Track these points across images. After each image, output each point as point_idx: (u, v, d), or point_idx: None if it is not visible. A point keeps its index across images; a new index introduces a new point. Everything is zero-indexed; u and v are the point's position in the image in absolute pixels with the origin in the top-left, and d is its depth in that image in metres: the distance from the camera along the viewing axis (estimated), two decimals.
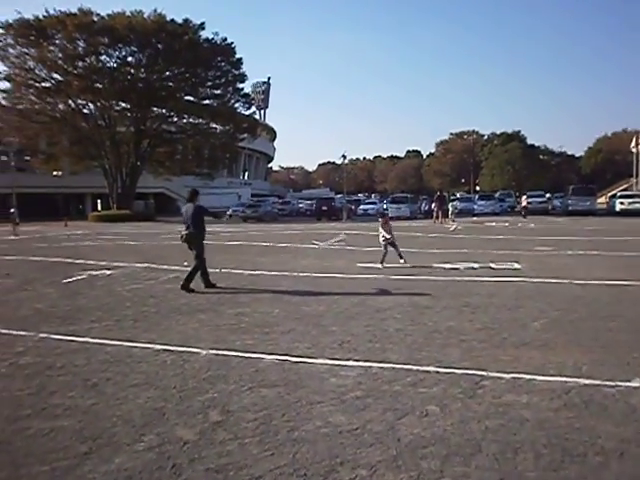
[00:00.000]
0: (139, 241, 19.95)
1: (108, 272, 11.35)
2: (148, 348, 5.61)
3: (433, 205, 31.59)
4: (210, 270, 11.33)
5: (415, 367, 4.81)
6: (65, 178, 49.82)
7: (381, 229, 12.28)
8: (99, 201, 50.72)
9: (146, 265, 12.30)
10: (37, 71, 40.17)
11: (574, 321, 6.40)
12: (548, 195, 42.36)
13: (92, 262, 12.97)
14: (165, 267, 11.99)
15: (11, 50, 39.61)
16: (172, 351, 5.49)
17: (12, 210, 26.35)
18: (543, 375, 4.50)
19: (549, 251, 14.10)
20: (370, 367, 4.85)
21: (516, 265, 11.42)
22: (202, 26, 40.86)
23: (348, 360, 5.06)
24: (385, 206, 43.49)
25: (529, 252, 13.87)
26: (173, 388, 4.41)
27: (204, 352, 5.42)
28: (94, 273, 11.14)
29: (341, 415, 3.78)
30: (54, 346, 5.77)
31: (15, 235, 24.39)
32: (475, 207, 38.86)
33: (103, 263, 12.70)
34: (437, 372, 4.67)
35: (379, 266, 11.68)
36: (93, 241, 20.35)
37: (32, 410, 3.99)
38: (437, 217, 29.41)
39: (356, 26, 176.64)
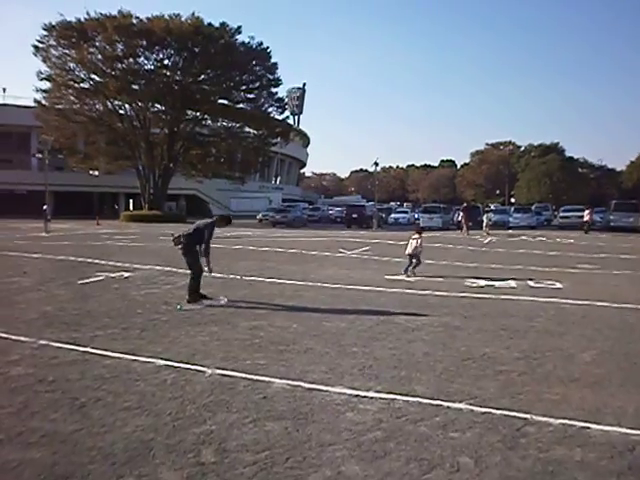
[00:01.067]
0: (165, 242, 19.69)
1: (126, 274, 11.00)
2: (150, 363, 5.13)
3: (460, 216, 30.97)
4: (231, 276, 11.01)
5: (445, 403, 4.17)
6: (100, 177, 50.60)
7: (412, 241, 12.02)
8: (131, 201, 51.33)
9: (166, 268, 11.93)
10: (76, 72, 40.90)
11: (630, 354, 5.63)
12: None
13: (113, 263, 12.69)
14: (185, 271, 11.53)
15: (53, 51, 40.49)
16: (175, 368, 4.98)
17: (45, 207, 26.60)
18: (599, 423, 3.80)
19: (593, 269, 13.16)
20: (394, 400, 4.23)
21: (557, 284, 10.58)
22: (238, 30, 40.95)
23: (369, 390, 4.45)
24: (417, 215, 42.61)
25: (571, 270, 12.96)
26: (168, 415, 3.89)
27: (209, 371, 4.90)
28: (112, 275, 10.81)
29: (355, 464, 3.19)
30: (51, 355, 5.34)
31: (46, 232, 24.57)
32: (510, 220, 37.52)
33: (123, 264, 12.39)
34: (471, 411, 4.02)
35: (407, 278, 11.04)
36: (120, 241, 20.22)
37: (5, 435, 3.52)
38: (466, 229, 28.60)
39: (392, 32, 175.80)
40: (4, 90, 57.72)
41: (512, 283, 10.72)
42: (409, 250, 11.98)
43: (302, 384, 4.57)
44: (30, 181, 46.90)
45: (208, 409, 4.01)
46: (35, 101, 42.44)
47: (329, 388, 4.49)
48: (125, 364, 5.10)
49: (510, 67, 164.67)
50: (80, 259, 13.58)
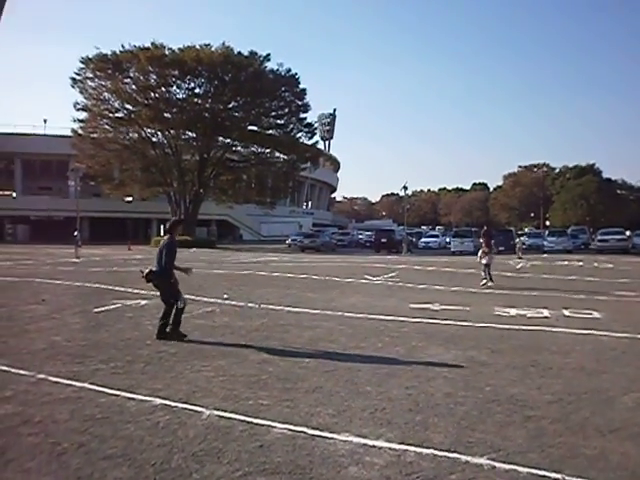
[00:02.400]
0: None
1: (143, 302, 10.81)
2: (146, 402, 4.78)
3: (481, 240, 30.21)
4: (249, 305, 10.68)
5: (464, 457, 3.67)
6: (134, 203, 51.73)
7: (480, 253, 15.41)
8: (162, 227, 52.07)
9: (186, 296, 11.66)
10: (111, 102, 42.22)
11: None
12: (628, 232, 39.04)
13: (132, 290, 12.54)
14: (204, 299, 11.33)
15: (89, 83, 41.98)
16: (172, 408, 4.62)
17: (76, 233, 27.08)
18: None
19: (633, 297, 12.31)
20: (405, 452, 3.76)
21: (595, 314, 9.86)
22: (267, 57, 41.64)
23: (378, 438, 3.99)
24: (448, 239, 41.77)
25: (609, 298, 12.16)
26: (151, 466, 3.52)
27: (207, 412, 4.52)
28: (128, 303, 10.63)
29: None
30: (46, 392, 5.06)
31: (77, 258, 24.92)
32: (545, 243, 36.32)
33: (142, 292, 12.22)
34: (493, 467, 3.52)
35: (433, 307, 10.52)
36: (146, 267, 20.20)
37: None
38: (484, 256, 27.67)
39: (424, 56, 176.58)
40: (45, 121, 60.08)
41: (545, 312, 10.05)
42: (484, 261, 15.07)
43: (305, 430, 4.14)
44: (67, 207, 48.14)
45: (197, 459, 3.62)
46: (72, 131, 43.86)
47: (334, 435, 4.04)
48: (120, 403, 4.77)
49: (543, 88, 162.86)
50: (102, 286, 13.52)
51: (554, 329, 8.39)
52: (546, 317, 9.60)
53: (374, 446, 3.87)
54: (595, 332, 8.12)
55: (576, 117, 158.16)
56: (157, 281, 7.68)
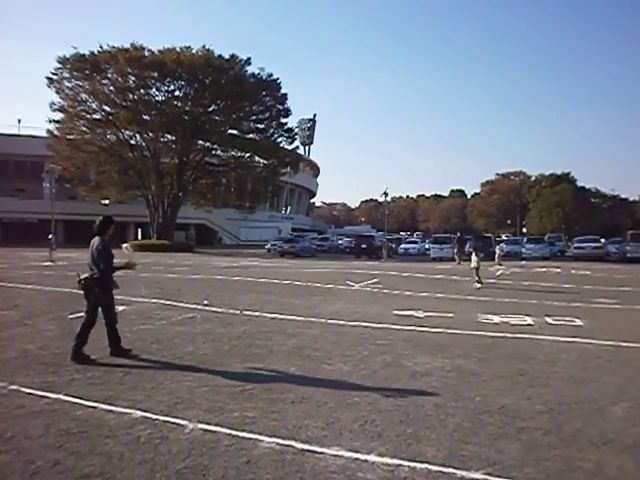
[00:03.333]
0: (168, 273, 19.27)
1: (121, 308, 10.34)
2: (126, 414, 4.56)
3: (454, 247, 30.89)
4: (230, 311, 10.47)
5: (459, 472, 3.56)
6: (110, 207, 50.77)
7: (473, 257, 17.09)
8: (140, 230, 51.28)
9: (164, 302, 11.42)
10: (89, 103, 41.52)
11: None
12: (603, 240, 39.77)
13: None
14: (183, 305, 11.07)
15: (66, 83, 41.25)
16: (153, 421, 4.41)
17: (50, 236, 26.42)
18: None
19: (613, 304, 12.42)
20: (399, 467, 3.63)
21: (577, 321, 9.89)
22: (248, 61, 41.49)
23: (370, 453, 3.85)
24: (427, 245, 42.01)
25: (590, 305, 12.25)
26: None
27: (191, 426, 4.32)
28: None
29: None
30: (18, 404, 4.80)
31: (51, 261, 24.28)
32: (523, 250, 36.77)
33: (120, 297, 11.85)
34: None
35: (417, 314, 10.45)
36: (122, 271, 19.78)
37: None
38: (459, 259, 28.37)
39: (406, 58, 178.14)
40: (19, 121, 59.13)
41: (528, 319, 10.05)
42: (473, 264, 16.78)
43: (294, 444, 3.98)
44: (41, 210, 47.08)
45: (181, 477, 3.43)
46: (48, 132, 42.98)
47: (324, 450, 3.89)
48: (98, 416, 4.54)
49: (520, 96, 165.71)
50: (77, 291, 13.09)
51: (538, 337, 8.37)
52: (529, 324, 9.59)
53: (366, 461, 3.73)
54: (579, 340, 8.13)
55: (552, 126, 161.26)
56: (97, 289, 6.56)
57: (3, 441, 3.97)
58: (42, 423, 4.34)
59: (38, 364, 6.21)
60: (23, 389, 5.23)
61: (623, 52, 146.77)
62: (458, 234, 34.11)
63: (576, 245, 37.54)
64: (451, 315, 10.46)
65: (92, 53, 39.96)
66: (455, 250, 29.73)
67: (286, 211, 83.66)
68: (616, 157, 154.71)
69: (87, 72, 39.86)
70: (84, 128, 41.99)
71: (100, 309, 6.65)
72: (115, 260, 6.89)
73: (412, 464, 3.67)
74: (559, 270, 24.43)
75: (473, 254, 17.44)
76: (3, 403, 4.84)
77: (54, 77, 40.74)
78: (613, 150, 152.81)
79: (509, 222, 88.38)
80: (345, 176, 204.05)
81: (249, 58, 41.83)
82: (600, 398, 5.24)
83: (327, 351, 7.18)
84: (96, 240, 6.80)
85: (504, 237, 58.51)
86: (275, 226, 65.63)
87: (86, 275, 6.64)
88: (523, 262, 31.87)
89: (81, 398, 4.97)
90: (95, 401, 4.89)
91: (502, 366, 6.49)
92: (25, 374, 5.77)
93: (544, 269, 25.15)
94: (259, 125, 44.92)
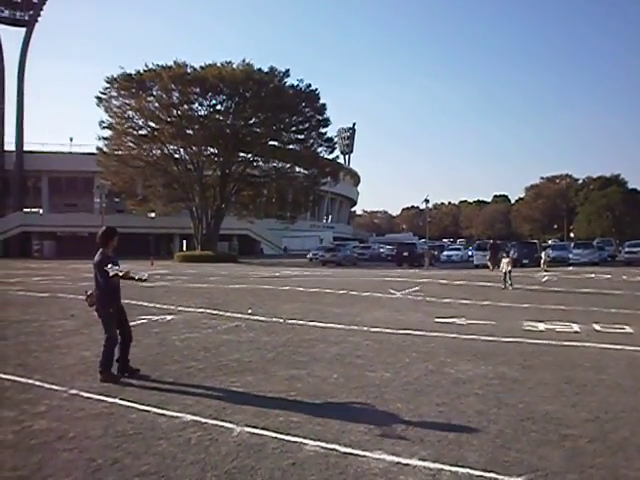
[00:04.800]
0: (213, 283, 19.76)
1: (169, 317, 10.90)
2: (177, 418, 4.80)
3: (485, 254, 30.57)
4: (274, 320, 10.69)
5: (501, 477, 3.60)
6: (157, 219, 52.50)
7: (503, 261, 18.32)
8: (185, 242, 52.63)
9: (210, 311, 11.77)
10: (135, 120, 43.11)
11: None
12: None
13: (158, 305, 12.69)
14: (228, 314, 11.37)
15: (114, 101, 42.99)
16: (202, 424, 4.63)
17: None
18: None
19: None
20: (440, 471, 3.70)
21: (627, 329, 9.62)
22: (287, 73, 42.17)
23: (412, 457, 3.93)
24: (470, 253, 41.36)
25: None
26: None
27: (238, 429, 4.51)
28: (154, 318, 10.72)
29: None
30: (79, 407, 5.12)
31: None
32: (571, 256, 35.68)
33: (168, 307, 12.36)
34: None
35: (459, 322, 10.39)
36: (170, 281, 20.45)
37: None
38: (492, 266, 27.49)
39: (444, 71, 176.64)
40: (71, 139, 61.52)
41: (575, 327, 9.84)
42: (503, 269, 17.98)
43: (337, 447, 4.11)
44: (91, 223, 49.02)
45: (230, 477, 3.61)
46: (97, 148, 44.86)
47: (367, 453, 4.00)
48: (151, 419, 4.79)
49: (567, 99, 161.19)
50: (127, 301, 13.61)
51: (585, 344, 8.21)
52: (576, 332, 9.40)
53: (408, 464, 3.81)
54: (628, 348, 7.92)
55: (598, 128, 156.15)
56: (96, 304, 6.30)
57: (66, 441, 4.26)
58: (101, 425, 4.63)
59: (95, 371, 6.52)
60: (82, 393, 5.56)
61: None
62: (491, 241, 34.25)
63: (627, 250, 36.12)
64: (494, 322, 10.35)
65: (138, 72, 41.54)
66: (488, 257, 29.24)
67: (327, 220, 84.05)
68: None
69: (133, 90, 41.46)
70: (131, 144, 43.60)
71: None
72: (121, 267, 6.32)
73: (454, 469, 3.73)
74: (609, 276, 23.62)
75: (504, 259, 18.46)
76: (65, 406, 5.17)
77: (103, 96, 42.61)
78: None
79: (555, 227, 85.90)
80: (386, 184, 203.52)
81: (288, 70, 42.60)
82: None
83: (369, 359, 7.27)
84: (97, 253, 6.34)
85: (550, 242, 57.01)
86: (316, 235, 66.04)
87: (92, 291, 6.35)
88: (571, 267, 30.99)
89: (135, 402, 5.25)
90: (148, 405, 5.16)
91: (547, 374, 6.42)
92: (83, 379, 6.12)
93: (593, 275, 24.38)
94: (299, 136, 45.48)
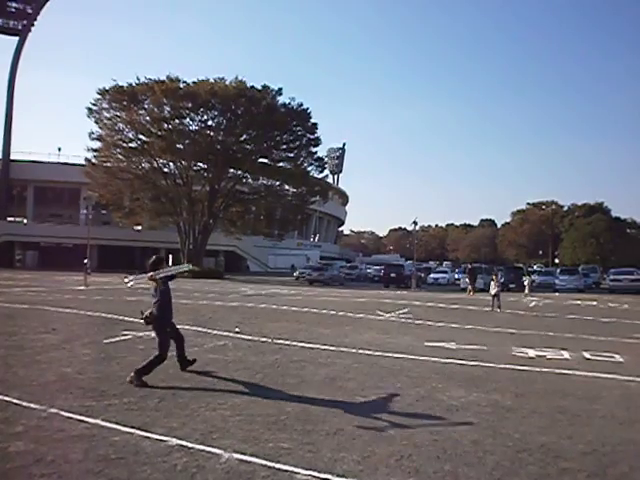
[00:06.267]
0: (198, 300, 19.48)
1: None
2: (162, 442, 4.60)
3: (466, 277, 32.04)
4: (261, 339, 10.50)
5: None
6: (143, 232, 52.03)
7: (492, 283, 19.04)
8: (171, 256, 52.08)
9: (196, 328, 11.53)
10: (125, 132, 42.90)
11: None
12: None
13: (142, 321, 12.39)
14: (215, 332, 11.16)
15: (105, 113, 42.78)
16: (189, 449, 4.43)
17: (85, 261, 27.04)
18: None
19: None
20: None
21: (617, 357, 9.58)
22: (280, 92, 42.34)
23: None
24: (457, 275, 41.48)
25: (629, 340, 11.85)
26: None
27: (226, 455, 4.33)
28: (139, 334, 10.44)
29: None
30: (58, 428, 4.89)
31: (85, 286, 24.83)
32: (557, 282, 35.94)
33: None
34: None
35: (449, 346, 10.28)
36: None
37: None
38: (471, 290, 29.02)
39: (433, 95, 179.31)
40: (59, 149, 61.14)
41: (565, 354, 9.78)
42: (492, 291, 18.74)
43: (330, 477, 3.95)
44: (76, 235, 48.42)
45: None
46: (86, 159, 44.50)
47: None
48: (135, 442, 4.58)
49: (553, 126, 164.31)
50: (111, 315, 13.39)
51: (576, 372, 8.14)
52: (566, 359, 9.33)
53: None
54: (619, 377, 7.85)
55: (583, 157, 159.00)
56: (152, 324, 7.27)
57: (44, 464, 4.04)
58: (81, 448, 4.41)
59: (76, 388, 6.32)
60: (62, 413, 5.33)
61: None
62: (469, 265, 35.71)
63: (612, 277, 36.47)
64: (484, 347, 10.27)
65: (130, 85, 41.45)
66: (467, 280, 30.11)
67: (314, 239, 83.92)
68: None
69: (125, 103, 41.31)
70: (120, 156, 43.29)
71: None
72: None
73: None
74: (595, 303, 23.76)
75: (492, 281, 19.23)
76: (44, 426, 4.94)
77: (94, 107, 42.38)
78: None
79: (541, 252, 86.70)
80: (374, 205, 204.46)
81: (280, 88, 42.81)
82: None
83: (360, 382, 7.11)
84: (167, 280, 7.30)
85: (536, 267, 57.49)
86: (303, 254, 65.86)
87: (149, 310, 7.15)
88: (557, 294, 31.15)
89: (118, 424, 5.03)
90: (132, 427, 4.94)
91: (540, 402, 6.32)
92: (64, 398, 5.88)
93: (579, 301, 24.51)
94: (289, 154, 45.57)
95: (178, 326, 10.03)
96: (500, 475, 4.09)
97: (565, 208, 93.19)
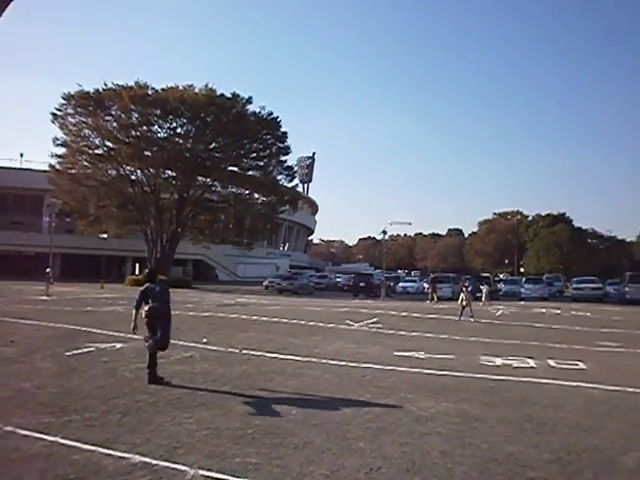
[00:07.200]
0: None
1: (118, 345, 10.36)
2: (124, 459, 4.44)
3: (428, 286, 33.74)
4: (229, 350, 10.34)
5: None
6: (109, 241, 50.85)
7: (462, 295, 19.02)
8: (137, 265, 51.10)
9: None
10: (91, 139, 41.99)
11: None
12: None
13: (106, 332, 12.08)
14: (182, 343, 10.90)
15: (70, 119, 41.73)
16: (152, 467, 4.29)
17: (48, 270, 26.24)
18: None
19: (616, 348, 12.32)
20: None
21: (580, 365, 9.79)
22: (249, 100, 42.21)
23: None
24: (426, 285, 41.88)
25: (592, 348, 12.14)
26: None
27: (191, 472, 4.20)
28: (102, 346, 10.16)
29: None
30: (14, 447, 4.67)
31: (47, 296, 24.08)
32: (522, 290, 36.69)
33: (117, 334, 11.75)
34: None
35: (418, 355, 10.33)
36: (120, 307, 19.63)
37: None
38: (432, 298, 30.05)
39: (401, 107, 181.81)
40: (21, 155, 59.27)
41: (531, 362, 9.94)
42: (462, 302, 18.72)
43: None
44: (38, 243, 47.04)
45: None
46: (50, 166, 43.32)
47: None
48: (96, 460, 4.41)
49: (518, 135, 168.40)
50: (73, 327, 12.97)
51: (542, 380, 8.27)
52: (532, 367, 9.49)
53: None
54: (583, 385, 8.01)
55: (547, 167, 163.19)
56: (161, 314, 7.68)
57: None
58: (38, 468, 4.22)
59: (35, 404, 6.07)
60: (19, 430, 5.10)
61: (623, 89, 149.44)
62: (432, 275, 36.80)
63: (575, 286, 37.46)
64: (452, 357, 10.35)
65: (97, 90, 40.60)
66: (430, 289, 30.93)
67: (284, 248, 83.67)
68: (613, 198, 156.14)
69: (91, 109, 40.44)
70: (86, 163, 42.30)
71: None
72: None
73: None
74: (559, 311, 24.31)
75: (462, 292, 19.37)
76: None
77: (58, 113, 41.35)
78: (610, 191, 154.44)
79: (507, 261, 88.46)
80: (343, 214, 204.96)
81: (250, 97, 42.64)
82: (609, 447, 5.14)
83: (329, 393, 7.06)
84: (154, 286, 7.81)
85: (502, 276, 58.57)
86: (272, 263, 65.57)
87: (150, 305, 7.55)
88: (522, 302, 31.77)
89: (78, 441, 4.84)
90: (93, 444, 4.76)
91: (507, 411, 6.38)
92: (21, 414, 5.64)
93: (543, 310, 25.04)
94: (259, 162, 45.37)
95: (143, 336, 9.70)
96: None
97: (530, 218, 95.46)
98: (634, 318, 21.13)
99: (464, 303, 18.76)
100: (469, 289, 22.46)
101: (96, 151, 42.30)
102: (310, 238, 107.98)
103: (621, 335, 14.89)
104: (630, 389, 7.74)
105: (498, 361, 9.99)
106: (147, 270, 8.79)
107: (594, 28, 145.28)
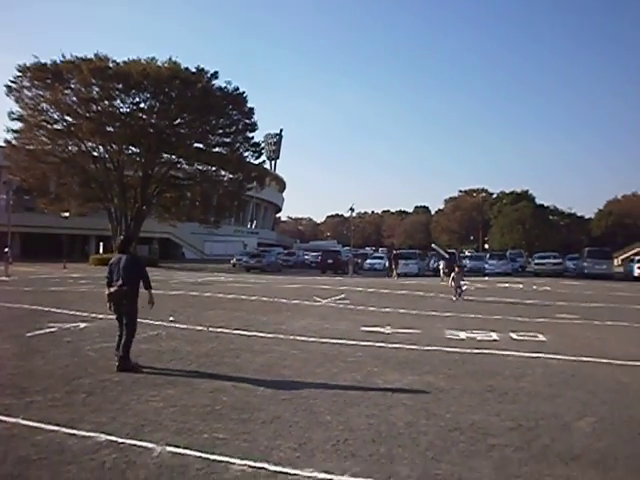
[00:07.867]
0: None
1: (82, 325, 10.17)
2: (89, 438, 4.38)
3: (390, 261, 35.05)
4: (197, 328, 10.28)
5: None
6: (71, 219, 49.42)
7: (453, 274, 17.95)
8: (102, 244, 50.05)
9: None
10: (50, 113, 40.34)
11: (631, 423, 5.11)
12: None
13: (70, 312, 11.83)
14: (148, 321, 10.74)
15: (26, 92, 39.92)
16: (118, 445, 4.25)
17: (6, 250, 25.41)
18: None
19: (573, 320, 12.78)
20: None
21: (540, 336, 10.12)
22: (215, 75, 41.23)
23: (344, 474, 3.80)
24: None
25: (551, 320, 12.56)
26: None
27: (158, 449, 4.19)
28: (66, 326, 9.96)
29: None
30: None
31: (6, 276, 23.39)
32: (486, 266, 37.57)
33: (81, 313, 11.54)
34: None
35: (385, 330, 10.49)
36: (84, 286, 19.24)
37: None
38: (392, 273, 31.79)
39: (370, 77, 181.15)
40: None
41: (494, 335, 10.23)
42: (452, 280, 17.73)
43: (266, 466, 3.90)
44: None
45: None
46: (5, 141, 41.57)
47: (297, 471, 3.82)
48: (60, 440, 4.34)
49: (483, 113, 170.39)
50: (35, 307, 12.66)
51: (504, 352, 8.52)
52: (495, 340, 9.76)
53: None
54: (543, 355, 8.30)
55: (512, 144, 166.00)
56: (127, 299, 7.01)
57: None
58: None
59: None
60: None
61: (585, 64, 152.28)
62: (394, 251, 38.26)
63: (536, 261, 38.60)
64: (418, 331, 10.55)
65: (54, 62, 38.91)
66: (390, 264, 32.74)
67: (252, 226, 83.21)
68: (575, 175, 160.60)
69: (49, 81, 38.77)
70: (44, 138, 40.75)
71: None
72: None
73: None
74: (521, 286, 25.01)
75: (455, 271, 18.18)
76: None
77: (13, 85, 39.55)
78: (571, 169, 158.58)
79: (472, 238, 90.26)
80: (311, 191, 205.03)
81: (216, 72, 41.62)
82: (566, 413, 5.35)
83: (296, 369, 7.11)
84: (123, 257, 7.07)
85: (467, 253, 59.73)
86: (240, 240, 65.19)
87: (116, 287, 6.89)
88: (486, 278, 32.53)
89: (41, 422, 4.75)
90: (56, 424, 4.68)
91: (471, 382, 6.56)
92: None
93: (507, 285, 25.72)
94: (225, 139, 44.58)
95: (107, 316, 9.56)
96: (433, 454, 4.20)
97: (494, 195, 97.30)
98: (591, 291, 21.92)
99: (452, 282, 17.64)
100: (461, 265, 22.60)
101: (55, 126, 40.72)
102: (278, 215, 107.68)
103: (578, 308, 15.46)
104: (586, 359, 8.05)
105: (462, 335, 10.23)
106: (121, 237, 7.84)
107: None
